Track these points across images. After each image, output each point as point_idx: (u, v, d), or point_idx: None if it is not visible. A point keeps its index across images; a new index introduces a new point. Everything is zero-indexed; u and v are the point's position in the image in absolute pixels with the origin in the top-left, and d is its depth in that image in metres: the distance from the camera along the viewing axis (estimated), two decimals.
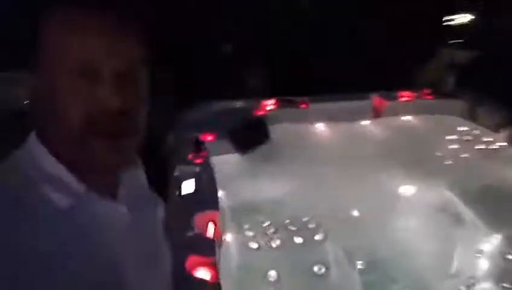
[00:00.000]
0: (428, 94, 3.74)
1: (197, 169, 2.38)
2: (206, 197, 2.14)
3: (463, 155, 3.35)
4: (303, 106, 3.50)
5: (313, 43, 4.38)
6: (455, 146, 3.43)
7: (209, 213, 1.94)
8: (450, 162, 3.29)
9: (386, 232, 2.62)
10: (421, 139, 3.47)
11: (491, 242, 2.52)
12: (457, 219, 2.70)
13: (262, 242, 2.46)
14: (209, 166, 2.52)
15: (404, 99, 3.69)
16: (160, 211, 0.85)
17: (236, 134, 3.03)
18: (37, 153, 0.65)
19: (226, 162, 2.94)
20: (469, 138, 3.48)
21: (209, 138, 2.92)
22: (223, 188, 2.67)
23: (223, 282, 1.78)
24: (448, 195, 2.88)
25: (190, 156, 2.55)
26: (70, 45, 0.61)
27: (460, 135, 3.53)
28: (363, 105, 3.57)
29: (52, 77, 0.62)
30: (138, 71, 0.65)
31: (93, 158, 0.62)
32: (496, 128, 3.30)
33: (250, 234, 2.54)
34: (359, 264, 2.40)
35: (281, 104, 3.49)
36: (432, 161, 3.29)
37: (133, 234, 0.70)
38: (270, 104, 3.45)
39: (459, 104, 3.63)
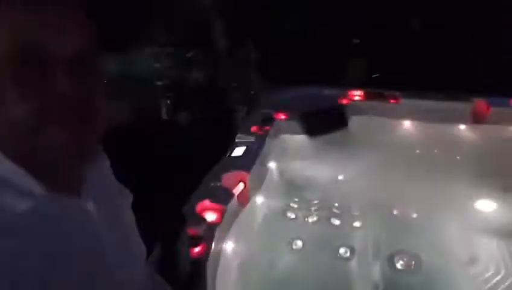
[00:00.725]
0: None
1: (252, 139, 2.68)
2: (246, 163, 2.43)
3: None
4: (393, 100, 3.41)
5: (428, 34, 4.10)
6: None
7: (238, 173, 2.24)
8: None
9: (430, 238, 2.50)
10: None
11: None
12: None
13: (300, 215, 2.64)
14: (264, 139, 2.79)
15: None
16: (128, 202, 0.84)
17: (309, 117, 3.21)
18: None
19: (294, 141, 3.16)
20: None
21: (282, 116, 3.17)
22: (281, 162, 2.92)
23: (241, 236, 2.08)
24: None
25: (254, 129, 2.86)
26: (11, 29, 0.56)
27: None
28: (463, 107, 3.27)
29: None
30: (92, 55, 0.62)
31: (48, 153, 0.58)
32: None
33: (294, 206, 2.73)
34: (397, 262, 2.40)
35: (369, 96, 3.48)
36: None
37: (101, 229, 0.68)
38: (357, 95, 3.48)
39: None
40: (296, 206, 2.72)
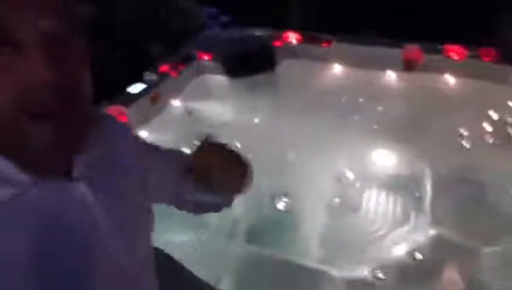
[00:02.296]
0: (491, 55, 3.01)
1: (153, 78, 2.70)
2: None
3: (489, 139, 2.73)
4: (325, 44, 3.30)
5: None
6: (489, 128, 2.79)
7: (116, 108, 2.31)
8: (467, 145, 2.74)
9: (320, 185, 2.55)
10: (450, 107, 2.93)
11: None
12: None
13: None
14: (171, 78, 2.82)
15: (451, 55, 3.08)
16: (138, 179, 0.79)
17: (234, 58, 3.16)
18: None
19: (214, 81, 3.15)
20: (510, 119, 2.77)
21: (206, 57, 3.15)
22: (192, 101, 2.95)
23: None
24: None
25: (164, 68, 2.86)
26: None
27: (504, 113, 2.83)
28: (395, 54, 3.14)
29: None
30: (73, 36, 0.58)
31: (29, 140, 0.56)
32: None
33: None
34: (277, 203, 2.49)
35: (303, 39, 3.37)
36: (447, 137, 2.79)
37: (97, 210, 0.66)
38: (291, 37, 3.38)
39: None
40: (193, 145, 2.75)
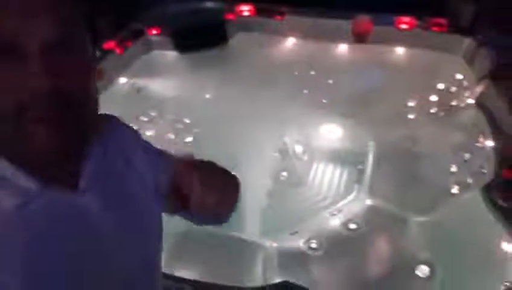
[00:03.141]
0: (438, 25, 3.02)
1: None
2: None
3: (432, 110, 2.78)
4: (278, 17, 3.26)
5: None
6: (435, 99, 2.83)
7: None
8: (412, 116, 2.79)
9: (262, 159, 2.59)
10: (399, 79, 2.96)
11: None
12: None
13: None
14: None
15: (401, 26, 3.07)
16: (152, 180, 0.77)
17: (184, 32, 3.12)
18: None
19: (164, 57, 3.12)
20: (454, 89, 2.81)
21: (154, 31, 3.09)
22: (140, 78, 2.92)
23: None
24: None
25: (108, 44, 2.81)
26: None
27: (451, 84, 2.86)
28: (344, 25, 3.12)
29: None
30: (75, 43, 0.57)
31: (31, 144, 0.55)
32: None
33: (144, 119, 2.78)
34: None
35: (256, 11, 3.32)
36: (394, 109, 2.83)
37: (103, 221, 0.65)
38: (245, 10, 3.33)
39: (467, 42, 2.87)
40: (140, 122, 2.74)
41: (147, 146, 0.83)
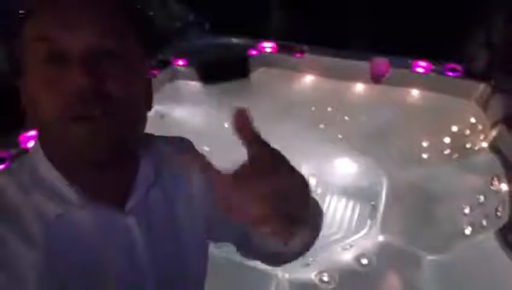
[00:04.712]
0: (453, 69, 3.11)
1: None
2: None
3: (446, 152, 2.83)
4: (298, 54, 3.41)
5: None
6: (448, 141, 2.89)
7: None
8: (426, 157, 2.84)
9: None
10: (414, 120, 3.03)
11: None
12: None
13: None
14: None
15: (417, 69, 3.18)
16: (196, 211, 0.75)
17: (208, 64, 3.27)
18: (36, 158, 0.63)
19: (188, 87, 3.25)
20: (468, 132, 2.86)
21: (180, 62, 3.24)
22: (164, 105, 3.04)
23: None
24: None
25: None
26: (32, 27, 0.57)
27: (464, 127, 2.92)
28: (362, 66, 3.24)
29: (27, 77, 0.59)
30: (124, 49, 0.59)
31: (77, 148, 0.57)
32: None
33: None
34: None
35: (277, 49, 3.47)
36: (408, 149, 2.89)
37: (142, 249, 0.65)
38: (267, 46, 3.48)
39: (481, 87, 2.95)
40: None
41: (206, 169, 0.78)
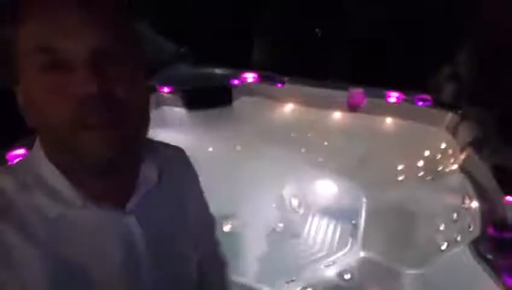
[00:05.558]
0: (423, 99, 3.34)
1: None
2: None
3: (420, 174, 2.99)
4: (279, 84, 3.58)
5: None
6: (422, 164, 3.06)
7: None
8: (401, 179, 2.99)
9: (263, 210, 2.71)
10: (388, 145, 3.19)
11: None
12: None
13: None
14: None
15: (390, 99, 3.39)
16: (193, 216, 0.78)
17: (192, 92, 3.38)
18: (37, 158, 0.63)
19: (172, 113, 3.34)
20: (439, 156, 3.04)
21: (166, 89, 3.35)
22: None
23: None
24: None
25: None
26: (30, 36, 0.55)
27: (436, 151, 3.11)
28: (339, 96, 3.43)
29: (25, 80, 0.57)
30: (125, 51, 0.58)
31: (84, 152, 0.56)
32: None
33: None
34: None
35: (260, 79, 3.64)
36: (385, 171, 3.03)
37: (142, 248, 0.66)
38: (250, 77, 3.65)
39: (449, 115, 3.17)
40: None
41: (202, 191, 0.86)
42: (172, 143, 3.30)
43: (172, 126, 3.26)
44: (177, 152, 0.85)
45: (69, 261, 0.59)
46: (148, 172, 0.68)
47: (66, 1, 0.55)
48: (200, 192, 0.87)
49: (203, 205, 0.88)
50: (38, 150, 0.63)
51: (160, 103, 3.33)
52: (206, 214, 0.89)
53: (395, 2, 4.05)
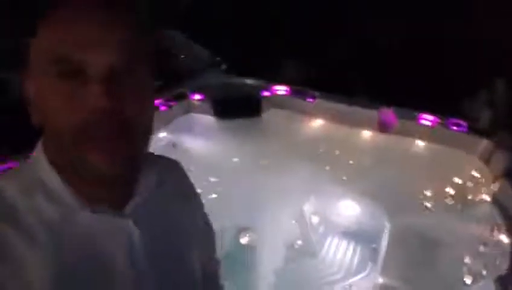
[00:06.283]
0: (457, 124, 3.23)
1: None
2: None
3: (448, 201, 2.88)
4: (309, 99, 3.57)
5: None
6: (451, 191, 2.95)
7: None
8: (428, 205, 2.89)
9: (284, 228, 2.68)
10: (418, 170, 3.10)
11: None
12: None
13: None
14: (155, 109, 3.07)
15: (424, 122, 3.30)
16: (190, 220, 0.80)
17: (222, 101, 3.43)
18: (38, 161, 0.64)
19: (201, 120, 3.40)
20: (470, 185, 2.93)
21: (197, 96, 3.42)
22: (176, 135, 3.17)
23: None
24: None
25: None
26: (51, 43, 0.57)
27: (467, 179, 2.99)
28: (370, 114, 3.38)
29: (38, 80, 0.59)
30: (136, 66, 0.60)
31: (88, 164, 0.57)
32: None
33: None
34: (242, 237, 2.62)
35: (291, 92, 3.65)
36: (411, 196, 2.94)
37: (140, 250, 0.66)
38: (281, 89, 3.66)
39: (484, 143, 3.05)
40: None
41: (195, 193, 0.86)
42: (198, 150, 3.33)
43: (199, 133, 3.32)
44: (174, 164, 0.85)
45: (68, 264, 0.60)
46: (146, 180, 0.69)
47: (91, 16, 0.57)
48: (199, 203, 0.87)
49: (201, 216, 0.88)
50: (40, 152, 0.64)
51: (190, 109, 3.39)
52: (204, 225, 0.89)
53: (440, 23, 3.98)
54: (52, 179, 0.62)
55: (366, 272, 2.47)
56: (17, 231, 0.58)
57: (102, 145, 0.57)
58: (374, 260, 2.52)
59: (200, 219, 0.86)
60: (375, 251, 2.57)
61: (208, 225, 0.91)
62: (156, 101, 3.12)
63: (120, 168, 0.58)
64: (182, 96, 3.32)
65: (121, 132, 0.57)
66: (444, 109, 3.33)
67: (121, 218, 0.65)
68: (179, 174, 0.84)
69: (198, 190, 2.95)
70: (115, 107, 0.56)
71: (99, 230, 0.63)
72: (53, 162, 0.63)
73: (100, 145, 0.57)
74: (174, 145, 3.10)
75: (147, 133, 0.63)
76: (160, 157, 0.82)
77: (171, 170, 0.81)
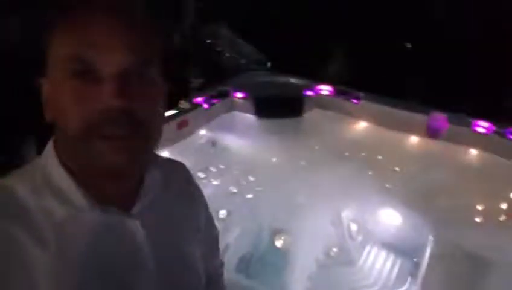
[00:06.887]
0: None
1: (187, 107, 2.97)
2: None
3: (502, 218, 2.66)
4: (354, 100, 3.44)
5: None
6: (505, 206, 2.72)
7: None
8: (478, 220, 2.68)
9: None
10: (468, 181, 2.89)
11: None
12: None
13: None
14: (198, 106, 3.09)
15: (478, 129, 3.07)
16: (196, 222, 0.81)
17: (264, 99, 3.39)
18: (48, 161, 0.65)
19: (242, 118, 3.37)
20: None
21: (239, 94, 3.39)
22: (217, 133, 3.16)
23: None
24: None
25: (196, 100, 3.13)
26: (66, 42, 0.58)
27: None
28: (418, 118, 3.19)
29: (52, 78, 0.60)
30: (148, 68, 0.61)
31: (97, 153, 0.58)
32: None
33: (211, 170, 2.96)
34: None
35: (334, 92, 3.53)
36: (460, 209, 2.74)
37: (146, 250, 0.67)
38: (324, 89, 3.55)
39: None
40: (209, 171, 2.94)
41: (199, 194, 0.87)
42: (238, 148, 3.33)
43: (240, 132, 3.30)
44: (180, 167, 0.87)
45: (76, 263, 0.61)
46: (153, 182, 0.70)
47: (105, 17, 0.59)
48: (204, 205, 0.88)
49: (206, 218, 0.88)
50: (50, 151, 0.66)
51: (232, 107, 3.38)
52: (209, 226, 0.90)
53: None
54: (62, 178, 0.63)
55: (405, 286, 2.35)
56: (28, 231, 0.59)
57: (110, 141, 0.58)
58: (413, 274, 2.39)
59: (204, 220, 0.86)
60: (416, 265, 2.43)
61: (212, 226, 0.93)
62: (198, 99, 3.14)
63: (128, 158, 0.59)
64: (224, 94, 3.31)
65: (131, 131, 0.58)
66: (502, 117, 3.08)
67: (128, 218, 0.66)
68: (184, 177, 0.85)
69: (235, 190, 2.97)
70: (126, 106, 0.57)
71: (108, 230, 0.64)
72: (63, 162, 0.64)
73: (107, 141, 0.58)
74: (213, 143, 3.10)
75: (156, 134, 0.64)
76: (166, 159, 0.85)
77: (177, 172, 0.83)
